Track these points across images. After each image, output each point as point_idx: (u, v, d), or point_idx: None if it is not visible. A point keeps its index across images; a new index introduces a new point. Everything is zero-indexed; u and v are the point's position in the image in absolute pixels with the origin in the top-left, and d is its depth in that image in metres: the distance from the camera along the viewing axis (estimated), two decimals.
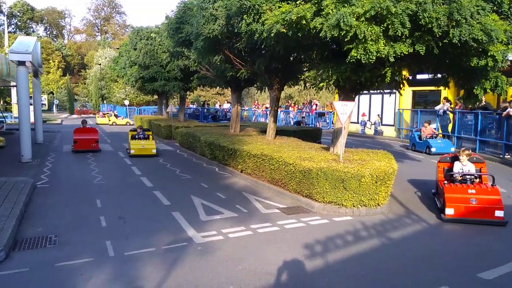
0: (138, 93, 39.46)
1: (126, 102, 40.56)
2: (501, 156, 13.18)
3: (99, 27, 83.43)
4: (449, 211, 6.73)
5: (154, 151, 14.02)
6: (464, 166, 7.51)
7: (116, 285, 4.44)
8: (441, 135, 15.77)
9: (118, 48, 30.72)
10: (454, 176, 7.38)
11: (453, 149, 13.77)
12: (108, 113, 38.15)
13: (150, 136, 14.90)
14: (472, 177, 7.26)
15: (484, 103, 15.43)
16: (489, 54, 6.58)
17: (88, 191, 8.90)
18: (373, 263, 5.18)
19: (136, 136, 14.62)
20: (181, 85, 20.42)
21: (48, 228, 6.28)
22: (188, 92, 23.85)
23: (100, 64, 51.95)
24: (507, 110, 12.85)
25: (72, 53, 72.84)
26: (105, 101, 52.22)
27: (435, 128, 16.55)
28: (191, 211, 7.29)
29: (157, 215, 7.13)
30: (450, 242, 5.98)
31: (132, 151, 13.79)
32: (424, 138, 15.19)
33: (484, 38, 6.14)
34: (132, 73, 21.69)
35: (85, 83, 62.40)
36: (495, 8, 6.80)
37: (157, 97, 28.36)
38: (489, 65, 6.68)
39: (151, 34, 20.65)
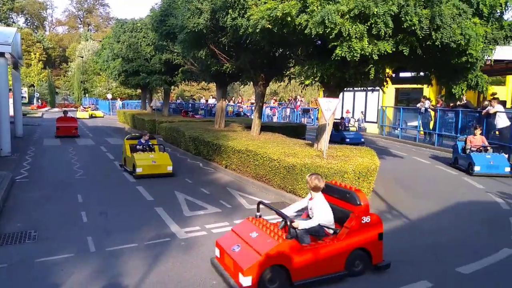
0: (121, 86, 38.96)
1: (109, 96, 39.97)
2: None
3: (81, 19, 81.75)
4: None
5: (169, 168, 9.77)
6: None
7: (98, 281, 4.39)
8: (490, 149, 11.11)
9: (101, 41, 30.17)
10: None
11: (508, 169, 10.46)
12: (89, 107, 37.76)
13: (156, 147, 10.46)
14: None
15: (465, 101, 15.76)
16: (468, 53, 6.73)
17: (69, 186, 8.75)
18: None
19: (137, 147, 10.28)
20: (165, 79, 20.21)
21: (28, 224, 6.16)
22: (172, 87, 23.63)
23: (82, 57, 51.01)
24: (487, 108, 13.15)
25: (53, 45, 71.14)
26: (87, 95, 51.31)
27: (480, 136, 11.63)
28: (175, 207, 7.25)
29: (140, 210, 7.07)
30: (428, 237, 6.10)
31: (138, 170, 9.39)
32: (468, 151, 11.07)
33: (463, 42, 6.29)
34: (115, 66, 21.38)
35: (67, 76, 61.16)
36: (476, 12, 6.95)
37: (140, 91, 28.02)
38: (470, 60, 6.84)
39: (137, 24, 20.33)
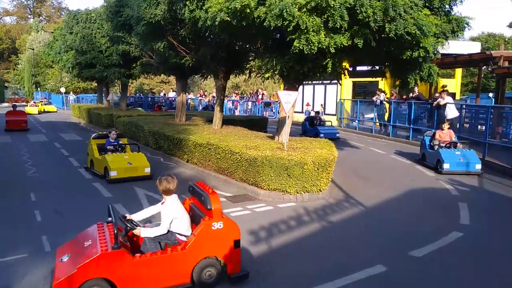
0: (75, 80, 37.40)
1: (62, 90, 38.18)
2: None
3: (31, 9, 77.18)
4: None
5: (147, 170, 8.89)
6: None
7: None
8: (460, 145, 10.43)
9: (53, 32, 28.68)
10: None
11: (479, 167, 9.76)
12: (41, 101, 36.00)
13: (128, 146, 9.67)
14: None
15: (417, 93, 16.51)
16: (421, 46, 7.05)
17: (21, 184, 8.34)
18: (314, 245, 5.43)
19: (108, 147, 9.26)
20: (122, 72, 19.59)
21: None
22: (130, 80, 22.96)
23: (33, 49, 48.26)
24: (437, 100, 13.85)
25: (1, 37, 66.77)
26: (39, 89, 48.73)
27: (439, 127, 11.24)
28: (134, 203, 7.10)
29: (97, 208, 6.85)
30: (383, 224, 6.39)
31: (113, 173, 8.44)
32: (436, 147, 10.44)
33: (417, 32, 6.56)
34: (68, 58, 20.47)
35: (16, 69, 57.68)
36: (426, 4, 7.29)
37: (96, 84, 27.01)
38: (421, 55, 7.17)
39: (91, 15, 19.52)
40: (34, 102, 34.13)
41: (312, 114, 24.34)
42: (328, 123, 17.21)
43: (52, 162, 10.95)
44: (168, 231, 4.20)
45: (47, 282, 4.16)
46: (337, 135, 15.81)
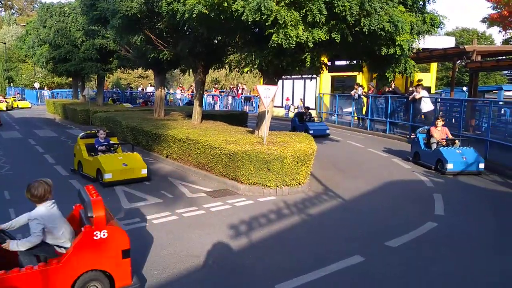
0: (49, 75, 36.39)
1: (36, 85, 37.13)
2: (408, 136, 14.53)
3: (2, 2, 74.42)
4: None
5: (144, 171, 8.27)
6: None
7: None
8: (458, 142, 9.71)
9: (25, 25, 27.75)
10: None
11: (482, 166, 9.16)
12: (15, 97, 34.89)
13: (120, 146, 9.08)
14: None
15: (393, 87, 16.81)
16: (396, 44, 7.17)
17: None
18: (293, 237, 5.49)
19: (99, 148, 8.54)
20: (99, 66, 19.18)
21: None
22: (107, 74, 22.51)
23: (5, 43, 46.59)
24: (413, 94, 14.14)
25: None
26: (12, 84, 47.19)
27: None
28: (112, 199, 6.99)
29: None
30: (361, 215, 6.51)
31: (107, 176, 7.78)
32: (435, 146, 9.79)
33: (391, 29, 6.66)
34: (42, 53, 19.88)
35: None
36: (401, 0, 7.40)
37: (71, 79, 26.37)
38: (397, 53, 7.31)
39: (65, 9, 18.99)
40: (4, 98, 32.68)
41: (293, 109, 24.61)
42: (317, 119, 16.56)
43: (27, 159, 10.66)
44: (44, 242, 3.73)
45: None
46: (327, 131, 15.17)
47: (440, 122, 10.12)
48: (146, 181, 8.26)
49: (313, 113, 21.72)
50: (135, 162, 8.33)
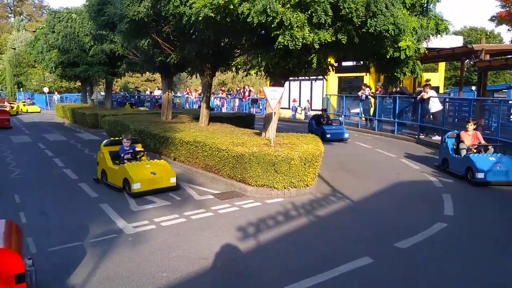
0: (59, 79, 36.79)
1: (46, 90, 37.56)
2: (416, 136, 14.42)
3: (12, 8, 75.51)
4: None
5: (173, 180, 7.79)
6: None
7: (39, 282, 4.19)
8: (491, 148, 8.71)
9: (34, 31, 28.09)
10: None
11: None
12: (24, 102, 35.35)
13: (143, 153, 8.49)
14: None
15: (401, 87, 16.69)
16: (401, 49, 7.15)
17: (4, 185, 8.20)
18: (301, 240, 5.47)
19: (125, 156, 8.02)
20: (107, 70, 19.35)
21: None
22: (115, 78, 22.71)
23: (15, 49, 47.27)
24: (421, 94, 14.03)
25: None
26: (21, 89, 47.81)
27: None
28: (121, 202, 7.05)
29: (84, 208, 6.80)
30: (369, 217, 6.47)
31: (136, 186, 7.26)
32: (464, 152, 8.81)
33: (394, 31, 6.64)
34: (51, 58, 20.13)
35: None
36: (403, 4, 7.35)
37: (80, 83, 26.64)
38: (401, 57, 7.30)
39: (72, 15, 19.22)
40: (10, 104, 31.67)
41: (300, 110, 24.56)
42: (336, 122, 15.73)
43: (37, 164, 10.79)
44: None
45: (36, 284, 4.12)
46: (346, 135, 14.12)
47: (471, 126, 9.08)
48: (174, 190, 7.75)
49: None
50: (164, 171, 7.80)
